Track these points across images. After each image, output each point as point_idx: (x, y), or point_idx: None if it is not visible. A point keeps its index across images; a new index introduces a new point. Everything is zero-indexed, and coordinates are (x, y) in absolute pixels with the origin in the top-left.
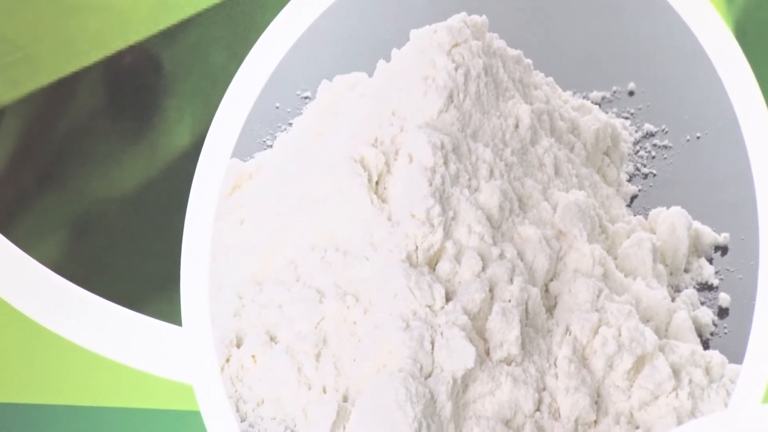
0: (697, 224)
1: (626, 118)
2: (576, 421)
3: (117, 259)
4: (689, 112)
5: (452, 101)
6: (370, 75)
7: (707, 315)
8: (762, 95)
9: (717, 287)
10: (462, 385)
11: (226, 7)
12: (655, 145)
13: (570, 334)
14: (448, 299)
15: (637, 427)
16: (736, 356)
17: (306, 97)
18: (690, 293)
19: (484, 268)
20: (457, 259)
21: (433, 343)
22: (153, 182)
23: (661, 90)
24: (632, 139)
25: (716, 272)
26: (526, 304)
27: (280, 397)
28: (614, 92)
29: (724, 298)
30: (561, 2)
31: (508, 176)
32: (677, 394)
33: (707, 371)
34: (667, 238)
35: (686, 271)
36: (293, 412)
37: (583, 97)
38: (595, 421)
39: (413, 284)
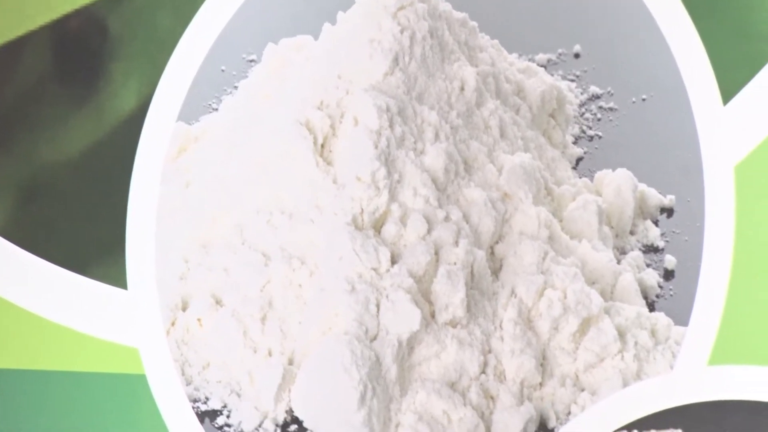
0: (642, 186)
1: (572, 80)
2: (521, 383)
3: (63, 223)
4: (635, 75)
5: (398, 64)
6: (316, 38)
7: (653, 277)
8: (707, 57)
9: (663, 249)
10: (407, 348)
11: None
12: (600, 107)
13: (515, 297)
14: (393, 262)
15: (583, 390)
16: (681, 318)
17: (252, 60)
18: (636, 255)
19: (429, 231)
20: (403, 221)
21: (378, 306)
22: (99, 146)
23: (606, 52)
24: (578, 102)
25: (662, 234)
26: (472, 266)
27: (225, 360)
28: (560, 54)
29: (669, 260)
30: None
31: (453, 139)
32: (623, 357)
33: (653, 333)
34: (612, 200)
35: (632, 233)
36: (239, 376)
37: (529, 60)
38: (541, 384)
39: (359, 247)
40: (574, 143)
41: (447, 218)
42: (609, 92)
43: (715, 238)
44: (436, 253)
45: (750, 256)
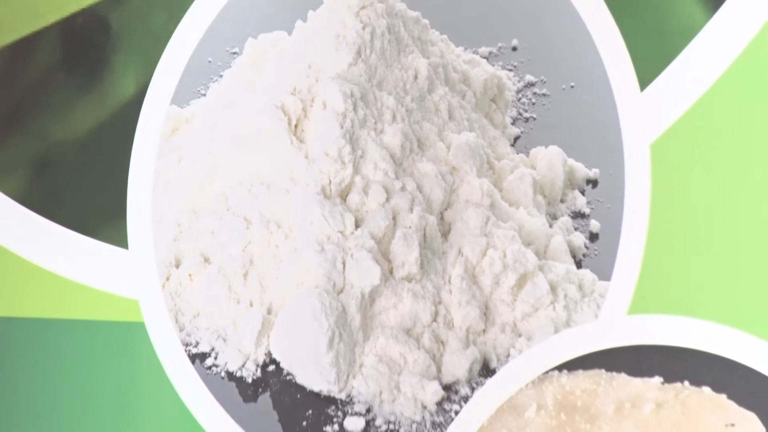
0: (571, 161)
1: (510, 69)
2: (467, 330)
3: (73, 192)
4: (564, 65)
5: (360, 56)
6: (290, 33)
7: (580, 239)
8: (626, 50)
9: (588, 215)
10: (369, 300)
11: None
12: (535, 93)
13: (462, 256)
14: (357, 226)
15: (520, 335)
16: (604, 274)
17: (234, 53)
18: (565, 220)
19: (388, 199)
20: (365, 191)
21: (344, 264)
22: (103, 126)
23: (540, 46)
24: (515, 88)
25: (588, 202)
26: (425, 230)
27: (212, 310)
28: (500, 48)
29: (594, 225)
30: None
31: (408, 120)
32: (554, 307)
33: (580, 287)
34: (545, 173)
35: (562, 201)
36: (224, 323)
37: (473, 52)
38: (484, 330)
39: (327, 213)
40: (513, 124)
41: (403, 188)
42: (542, 80)
43: (633, 206)
44: (394, 219)
45: (663, 221)
